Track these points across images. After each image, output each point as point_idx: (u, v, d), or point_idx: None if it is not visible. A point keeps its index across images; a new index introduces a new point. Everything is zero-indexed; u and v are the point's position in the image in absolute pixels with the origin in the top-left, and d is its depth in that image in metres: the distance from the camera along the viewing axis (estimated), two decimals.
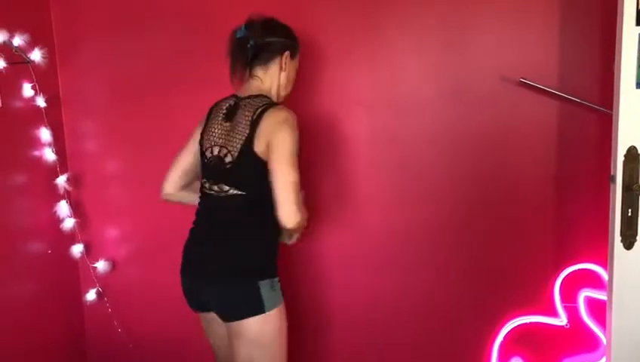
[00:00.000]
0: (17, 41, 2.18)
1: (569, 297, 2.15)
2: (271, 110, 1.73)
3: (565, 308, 2.15)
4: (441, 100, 2.19)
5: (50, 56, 2.33)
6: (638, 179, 1.73)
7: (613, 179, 1.77)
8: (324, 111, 2.27)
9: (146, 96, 2.44)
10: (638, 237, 1.76)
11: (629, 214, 1.75)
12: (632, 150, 1.72)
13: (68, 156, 2.54)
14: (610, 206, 1.78)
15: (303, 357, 2.40)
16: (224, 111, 1.82)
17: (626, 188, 1.74)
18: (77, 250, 2.53)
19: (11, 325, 2.25)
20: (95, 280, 2.57)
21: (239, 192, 1.76)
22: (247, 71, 1.84)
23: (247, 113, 1.75)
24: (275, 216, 1.68)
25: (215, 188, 1.79)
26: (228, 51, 1.85)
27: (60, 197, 2.45)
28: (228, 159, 1.75)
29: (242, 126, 1.74)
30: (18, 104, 2.29)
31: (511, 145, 2.16)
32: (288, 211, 1.66)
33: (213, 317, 1.86)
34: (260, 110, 1.73)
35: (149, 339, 2.60)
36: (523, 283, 2.21)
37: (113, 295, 2.61)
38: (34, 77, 2.30)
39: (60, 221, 2.45)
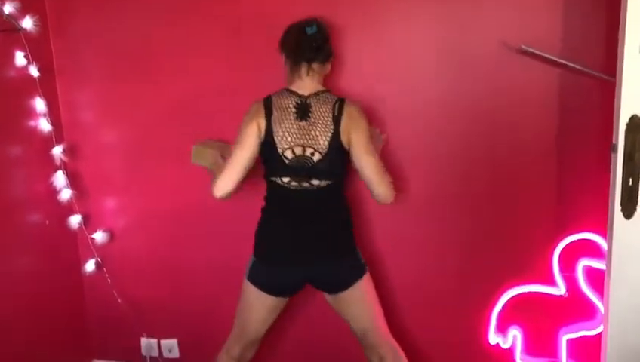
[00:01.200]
0: (8, 8, 2.14)
1: (568, 267, 2.15)
2: (346, 105, 1.92)
3: (564, 277, 2.15)
4: (442, 70, 2.15)
5: (42, 24, 2.29)
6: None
7: (614, 148, 1.74)
8: (326, 85, 2.23)
9: (142, 66, 2.41)
10: (638, 207, 1.74)
11: (630, 184, 1.73)
12: (634, 119, 1.69)
13: (63, 126, 2.52)
14: (611, 175, 1.77)
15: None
16: (294, 110, 1.90)
17: (628, 157, 1.71)
18: (75, 220, 2.53)
19: (11, 296, 2.27)
20: (94, 250, 2.58)
21: (327, 182, 1.94)
22: (308, 67, 1.93)
23: (324, 110, 1.90)
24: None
25: (298, 183, 1.93)
26: (289, 45, 1.94)
27: (56, 168, 2.43)
28: (316, 157, 1.90)
29: (324, 123, 1.89)
30: (11, 73, 2.25)
31: (512, 114, 2.13)
32: (386, 189, 1.93)
33: (278, 303, 2.07)
34: (337, 106, 1.91)
35: (148, 309, 2.62)
36: (523, 253, 2.21)
37: (112, 265, 2.62)
38: (26, 45, 2.27)
39: (56, 192, 2.44)
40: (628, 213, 1.76)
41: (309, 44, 1.91)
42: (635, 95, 1.69)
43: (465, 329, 2.31)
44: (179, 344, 2.63)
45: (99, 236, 2.55)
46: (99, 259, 2.60)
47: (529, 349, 2.26)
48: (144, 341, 2.66)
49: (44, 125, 2.38)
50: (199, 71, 2.34)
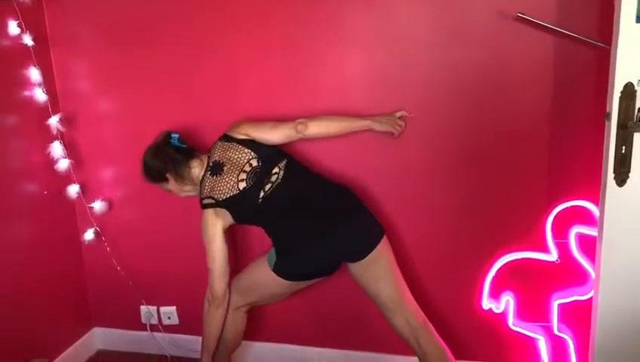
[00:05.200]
0: None
1: (561, 233, 2.18)
2: (229, 132, 2.19)
3: (556, 244, 2.19)
4: (437, 38, 2.14)
5: None
6: (633, 116, 1.72)
7: (608, 116, 1.76)
8: (319, 51, 2.23)
9: (137, 34, 2.39)
10: (630, 175, 1.77)
11: (623, 151, 1.75)
12: (628, 86, 1.70)
13: (59, 96, 2.51)
14: (605, 143, 1.78)
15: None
16: (209, 175, 2.15)
17: (621, 125, 1.73)
18: (73, 190, 2.54)
19: (11, 266, 2.29)
20: (92, 220, 2.60)
21: (283, 163, 2.12)
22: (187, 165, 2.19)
23: (223, 152, 2.17)
24: None
25: (270, 185, 2.10)
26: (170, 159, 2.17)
27: (53, 138, 2.43)
28: (254, 163, 2.11)
29: (233, 152, 2.13)
30: (4, 42, 2.24)
31: (507, 82, 2.13)
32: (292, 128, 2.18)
33: (301, 285, 2.19)
34: (224, 137, 2.19)
35: (147, 277, 2.65)
36: (516, 220, 2.24)
37: (111, 234, 2.64)
38: (19, 14, 2.24)
39: (54, 162, 2.45)
40: (620, 181, 1.79)
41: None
42: (630, 63, 1.69)
43: (458, 295, 2.35)
44: (178, 311, 2.68)
45: (97, 205, 2.57)
46: (97, 229, 2.62)
47: (521, 314, 2.30)
48: (143, 308, 2.70)
49: (40, 95, 2.37)
50: (195, 39, 2.33)
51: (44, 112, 2.39)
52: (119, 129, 2.53)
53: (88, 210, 2.58)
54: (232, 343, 2.29)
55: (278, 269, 2.09)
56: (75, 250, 2.67)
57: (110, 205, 2.61)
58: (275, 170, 2.08)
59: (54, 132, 2.43)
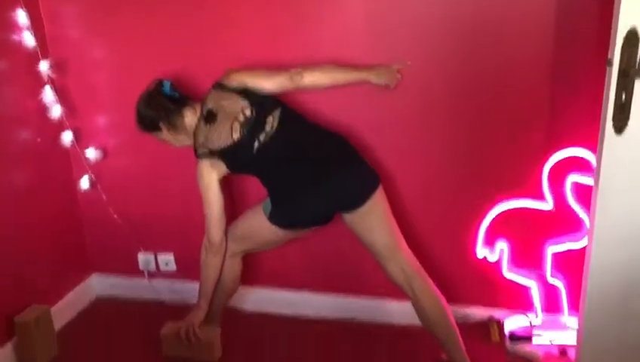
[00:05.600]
0: None
1: (557, 182, 2.18)
2: (223, 80, 2.12)
3: (552, 192, 2.19)
4: None
5: None
6: (635, 63, 1.68)
7: (609, 62, 1.71)
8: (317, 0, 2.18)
9: None
10: (629, 123, 1.74)
11: (623, 99, 1.72)
12: (632, 32, 1.65)
13: (48, 40, 2.45)
14: (605, 90, 1.75)
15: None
16: (203, 123, 2.10)
17: (623, 72, 1.69)
18: (67, 138, 2.52)
19: (8, 214, 2.29)
20: (87, 167, 2.58)
21: (277, 113, 2.09)
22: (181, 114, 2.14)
23: (216, 101, 2.11)
24: None
25: (265, 134, 2.07)
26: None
27: (43, 84, 2.39)
28: (247, 113, 2.06)
29: (227, 101, 2.08)
30: None
31: (506, 29, 2.07)
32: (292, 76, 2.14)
33: (296, 233, 2.22)
34: (217, 85, 2.12)
35: (144, 224, 2.66)
36: (513, 168, 2.23)
37: (106, 182, 2.63)
38: None
39: (46, 108, 2.41)
40: (619, 129, 1.76)
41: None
42: (634, 7, 1.64)
43: (453, 243, 2.37)
44: (175, 257, 2.70)
45: (92, 153, 2.55)
46: (93, 176, 2.61)
47: (515, 262, 2.33)
48: (141, 255, 2.72)
49: (29, 39, 2.31)
50: None
51: (33, 57, 2.34)
52: (112, 75, 2.48)
53: (83, 158, 2.56)
54: (229, 289, 2.32)
55: (273, 218, 2.09)
56: (71, 197, 2.67)
57: (105, 152, 2.59)
58: (269, 119, 2.05)
59: (45, 78, 2.38)
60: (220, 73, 2.14)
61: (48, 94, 2.40)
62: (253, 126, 2.04)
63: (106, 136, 2.58)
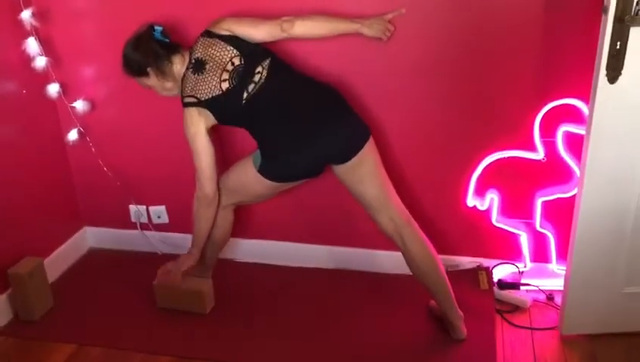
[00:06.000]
0: None
1: (548, 132, 2.17)
2: (211, 28, 2.09)
3: (544, 142, 2.19)
4: None
5: None
6: (631, 10, 1.66)
7: (605, 10, 1.69)
8: None
9: None
10: (622, 72, 1.73)
11: (618, 47, 1.70)
12: None
13: None
14: (599, 38, 1.73)
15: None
16: (191, 72, 2.07)
17: (618, 19, 1.67)
18: (53, 89, 2.47)
19: None
20: (75, 120, 2.55)
21: (266, 62, 2.06)
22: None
23: (206, 49, 2.08)
24: None
25: (254, 84, 2.05)
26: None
27: (27, 34, 2.33)
28: (236, 62, 2.04)
29: (215, 48, 2.05)
30: None
31: None
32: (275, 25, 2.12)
33: (288, 185, 2.20)
34: (205, 33, 2.09)
35: (135, 177, 2.65)
36: (504, 119, 2.22)
37: (95, 135, 2.61)
38: None
39: (30, 59, 2.36)
40: (612, 78, 1.75)
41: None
42: None
43: (443, 193, 2.38)
44: (167, 210, 2.70)
45: (79, 105, 2.51)
46: (81, 129, 2.58)
47: (505, 211, 2.35)
48: (133, 208, 2.72)
49: None
50: None
51: (15, 6, 2.27)
52: (98, 24, 2.42)
53: (70, 110, 2.52)
54: (220, 240, 2.34)
55: (264, 170, 2.08)
56: (60, 150, 2.64)
57: (93, 104, 2.55)
58: (259, 69, 2.02)
59: (28, 27, 2.32)
60: (209, 21, 2.08)
61: (32, 45, 2.33)
62: (242, 76, 2.01)
63: (94, 88, 2.53)
